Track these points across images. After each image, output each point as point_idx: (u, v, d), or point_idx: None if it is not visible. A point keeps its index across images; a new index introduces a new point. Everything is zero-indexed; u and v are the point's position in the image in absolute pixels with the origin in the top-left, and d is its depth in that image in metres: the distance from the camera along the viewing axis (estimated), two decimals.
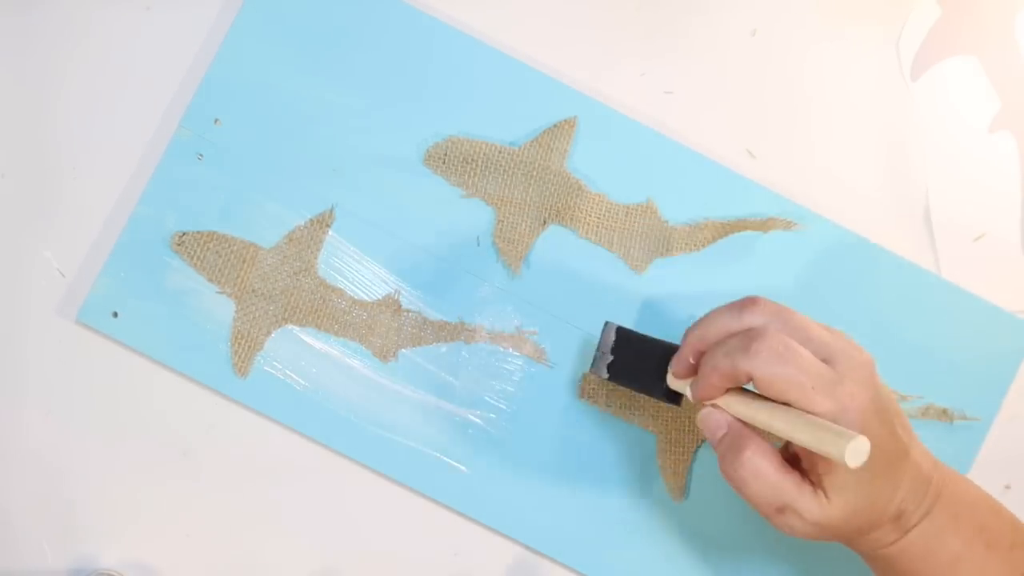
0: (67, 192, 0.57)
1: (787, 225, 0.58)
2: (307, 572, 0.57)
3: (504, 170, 0.57)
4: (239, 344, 0.56)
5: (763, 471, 0.44)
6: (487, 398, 0.57)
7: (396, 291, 0.57)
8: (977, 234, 0.60)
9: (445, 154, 0.57)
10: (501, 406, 0.57)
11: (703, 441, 0.57)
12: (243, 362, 0.56)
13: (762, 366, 0.43)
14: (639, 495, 0.57)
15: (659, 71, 0.59)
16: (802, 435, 0.42)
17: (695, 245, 0.58)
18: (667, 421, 0.57)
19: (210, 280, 0.56)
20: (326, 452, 0.57)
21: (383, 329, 0.57)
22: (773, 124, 0.59)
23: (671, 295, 0.58)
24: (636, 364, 0.52)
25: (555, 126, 0.58)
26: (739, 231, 0.58)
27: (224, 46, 0.57)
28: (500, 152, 0.57)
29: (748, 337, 0.44)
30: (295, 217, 0.57)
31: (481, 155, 0.57)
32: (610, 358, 0.53)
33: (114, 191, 0.57)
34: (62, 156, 0.58)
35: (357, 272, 0.57)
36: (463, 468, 0.57)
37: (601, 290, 0.57)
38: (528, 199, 0.57)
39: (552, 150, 0.57)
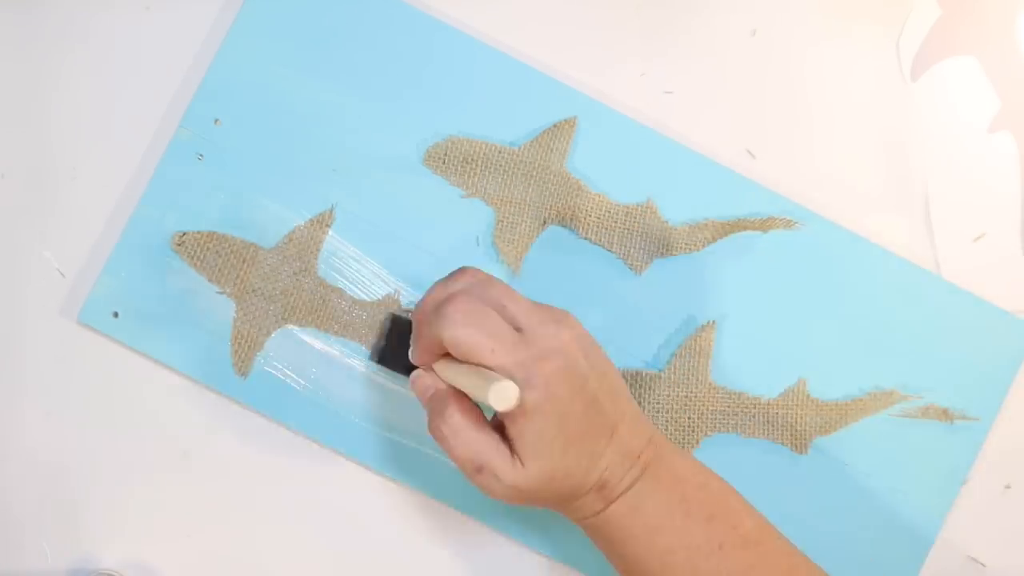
0: (67, 192, 0.57)
1: (787, 224, 0.58)
2: (307, 572, 0.57)
3: (504, 170, 0.57)
4: (239, 344, 0.56)
5: (462, 429, 0.46)
6: None
7: (396, 291, 0.57)
8: (977, 234, 0.60)
9: (445, 154, 0.57)
10: None
11: (705, 436, 0.57)
12: (243, 362, 0.56)
13: (448, 328, 0.45)
14: None
15: (659, 71, 0.59)
16: (464, 381, 0.45)
17: (695, 245, 0.58)
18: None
19: (210, 280, 0.56)
20: (326, 452, 0.57)
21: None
22: (773, 124, 0.59)
23: (671, 295, 0.58)
24: (399, 347, 0.53)
25: (555, 126, 0.58)
26: (739, 231, 0.58)
27: (224, 46, 0.57)
28: (500, 152, 0.57)
29: (443, 303, 0.46)
30: (295, 217, 0.57)
31: (481, 155, 0.57)
32: (382, 343, 0.55)
33: (114, 191, 0.57)
34: (62, 156, 0.58)
35: (357, 272, 0.57)
36: None
37: (601, 290, 0.57)
38: (528, 199, 0.57)
39: (552, 150, 0.57)
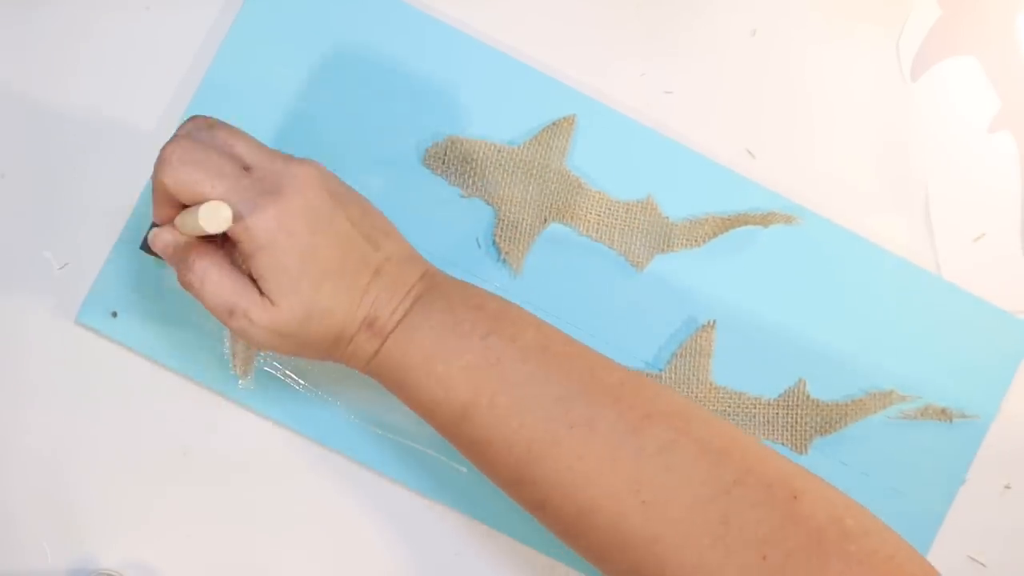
0: (67, 192, 0.57)
1: (788, 219, 0.58)
2: (307, 572, 0.57)
3: (504, 169, 0.57)
4: (239, 344, 0.56)
5: (208, 274, 0.45)
6: None
7: None
8: (977, 234, 0.60)
9: (444, 154, 0.57)
10: None
11: None
12: (243, 363, 0.56)
13: (167, 172, 0.44)
14: None
15: (659, 71, 0.59)
16: (187, 220, 0.44)
17: (695, 241, 0.58)
18: None
19: None
20: (326, 452, 0.57)
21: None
22: (773, 124, 0.59)
23: (672, 292, 0.58)
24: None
25: (554, 124, 0.58)
26: (740, 226, 0.58)
27: (224, 46, 0.57)
28: (499, 151, 0.57)
29: (161, 148, 0.45)
30: None
31: (480, 154, 0.57)
32: (147, 230, 0.51)
33: (114, 191, 0.57)
34: (62, 156, 0.58)
35: None
36: (463, 468, 0.57)
37: (602, 288, 0.57)
38: (528, 198, 0.57)
39: (551, 148, 0.57)
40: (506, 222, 0.57)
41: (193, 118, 0.48)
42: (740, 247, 0.58)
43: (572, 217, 0.57)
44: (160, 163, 0.45)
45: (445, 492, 0.57)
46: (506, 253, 0.57)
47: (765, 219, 0.58)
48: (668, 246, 0.58)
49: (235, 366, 0.56)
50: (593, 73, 0.59)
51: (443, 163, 0.57)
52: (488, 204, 0.57)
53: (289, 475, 0.57)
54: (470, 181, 0.57)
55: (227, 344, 0.56)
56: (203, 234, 0.45)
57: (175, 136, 0.46)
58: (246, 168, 0.46)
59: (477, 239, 0.57)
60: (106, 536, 0.57)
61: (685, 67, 0.59)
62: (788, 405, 0.57)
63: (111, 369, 0.56)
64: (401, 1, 0.58)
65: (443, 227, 0.57)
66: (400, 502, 0.57)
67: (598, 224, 0.57)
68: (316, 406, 0.57)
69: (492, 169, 0.57)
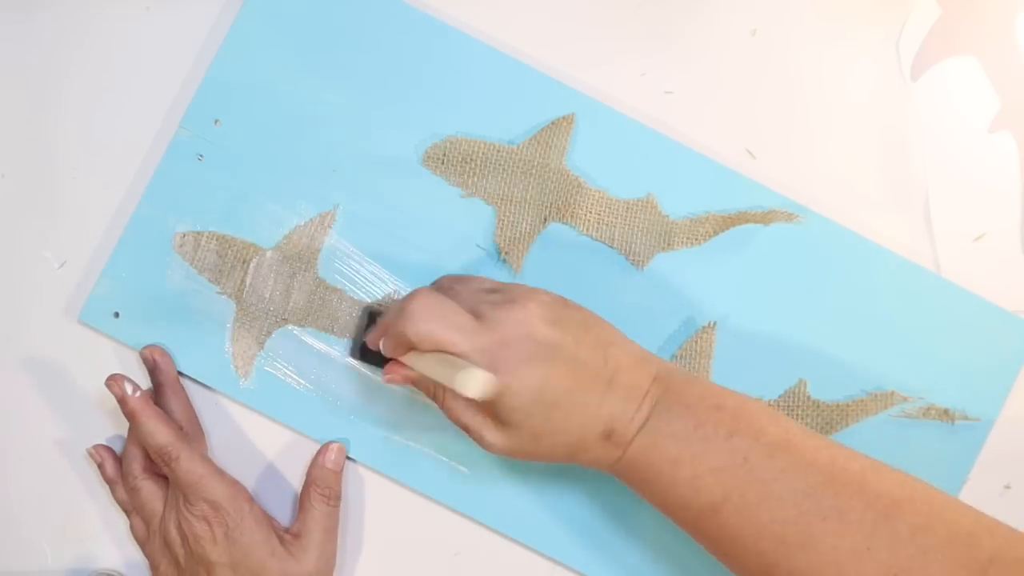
0: (67, 192, 0.58)
1: (788, 217, 0.58)
2: None
3: (503, 169, 0.57)
4: (239, 344, 0.56)
5: (446, 397, 0.50)
6: None
7: (396, 291, 0.57)
8: (977, 234, 0.60)
9: (444, 154, 0.57)
10: None
11: None
12: (243, 363, 0.56)
13: (410, 324, 0.48)
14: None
15: (659, 71, 0.59)
16: (436, 371, 0.47)
17: (696, 239, 0.58)
18: None
19: (210, 280, 0.56)
20: None
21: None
22: (773, 124, 0.59)
23: (673, 289, 0.58)
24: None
25: (553, 123, 0.58)
26: (740, 224, 0.58)
27: (224, 46, 0.57)
28: (499, 151, 0.57)
29: (405, 299, 0.49)
30: (295, 217, 0.57)
31: (480, 154, 0.57)
32: (360, 339, 0.55)
33: (115, 192, 0.57)
34: (62, 156, 0.58)
35: (357, 272, 0.57)
36: (463, 468, 0.57)
37: (603, 286, 0.57)
38: (528, 197, 0.57)
39: (551, 147, 0.57)
40: (506, 222, 0.57)
41: (443, 278, 0.54)
42: (741, 247, 0.58)
43: (572, 216, 0.57)
44: (404, 315, 0.48)
45: (445, 492, 0.57)
46: (506, 253, 0.57)
47: (766, 217, 0.58)
48: (668, 245, 0.58)
49: (236, 366, 0.57)
50: (593, 73, 0.59)
51: (443, 163, 0.57)
52: (488, 204, 0.57)
53: (289, 475, 0.57)
54: (470, 181, 0.57)
55: (228, 344, 0.56)
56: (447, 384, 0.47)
57: (419, 289, 0.50)
58: (477, 316, 0.49)
59: (477, 245, 0.57)
60: (106, 536, 0.57)
61: (685, 67, 0.59)
62: (789, 406, 0.57)
63: (112, 369, 0.56)
64: (401, 1, 0.58)
65: (443, 227, 0.57)
66: (400, 502, 0.57)
67: (598, 223, 0.57)
68: (316, 406, 0.57)
69: (492, 169, 0.57)
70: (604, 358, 0.49)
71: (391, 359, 0.51)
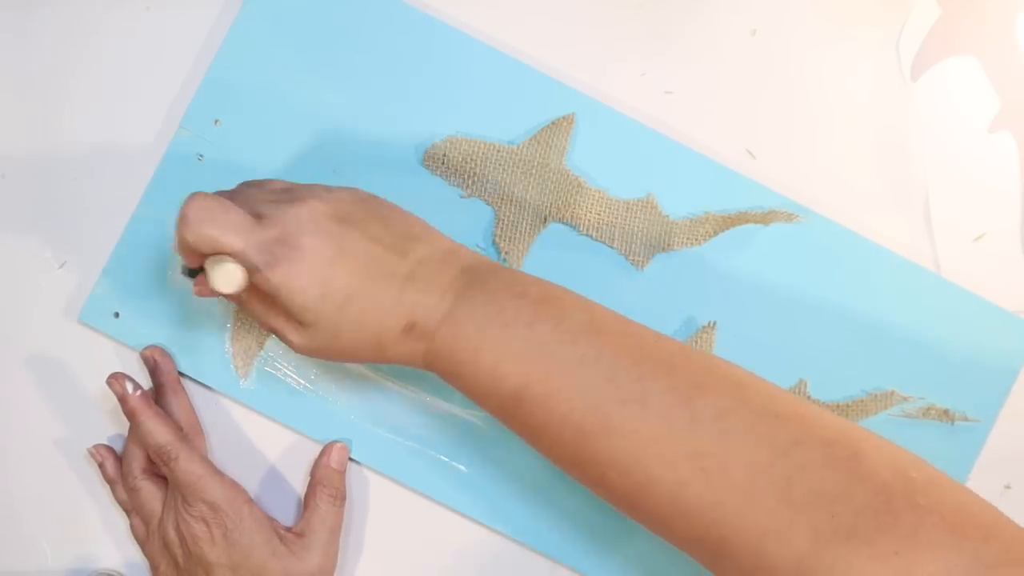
0: (67, 192, 0.58)
1: (788, 217, 0.58)
2: None
3: (503, 169, 0.57)
4: (239, 344, 0.56)
5: (247, 300, 0.49)
6: None
7: None
8: (977, 234, 0.60)
9: (444, 154, 0.57)
10: None
11: None
12: (243, 363, 0.56)
13: (187, 229, 0.46)
14: None
15: (659, 71, 0.59)
16: (209, 272, 0.47)
17: (696, 239, 0.58)
18: None
19: None
20: None
21: None
22: (773, 124, 0.59)
23: (672, 290, 0.58)
24: None
25: (553, 123, 0.58)
26: (740, 224, 0.58)
27: (224, 46, 0.57)
28: (499, 151, 0.57)
29: (182, 204, 0.47)
30: None
31: (480, 154, 0.57)
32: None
33: (115, 192, 0.57)
34: (63, 157, 0.58)
35: None
36: (463, 468, 0.57)
37: (603, 286, 0.57)
38: (528, 197, 0.57)
39: (551, 147, 0.57)
40: (506, 222, 0.57)
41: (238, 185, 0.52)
42: (741, 246, 0.58)
43: (572, 216, 0.57)
44: (181, 221, 0.47)
45: (445, 492, 0.57)
46: (506, 253, 0.57)
47: (766, 217, 0.58)
48: (668, 245, 0.58)
49: (236, 366, 0.57)
50: (593, 73, 0.59)
51: (443, 163, 0.57)
52: (488, 204, 0.57)
53: (289, 475, 0.57)
54: (470, 181, 0.57)
55: (228, 344, 0.56)
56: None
57: (193, 195, 0.48)
58: (258, 216, 0.47)
59: (477, 245, 0.57)
60: (106, 536, 0.57)
61: (685, 67, 0.59)
62: None
63: (112, 369, 0.56)
64: (401, 1, 0.58)
65: (443, 227, 0.57)
66: (400, 502, 0.57)
67: (598, 223, 0.57)
68: (316, 406, 0.57)
69: (492, 169, 0.57)
70: (403, 251, 0.48)
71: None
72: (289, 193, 0.49)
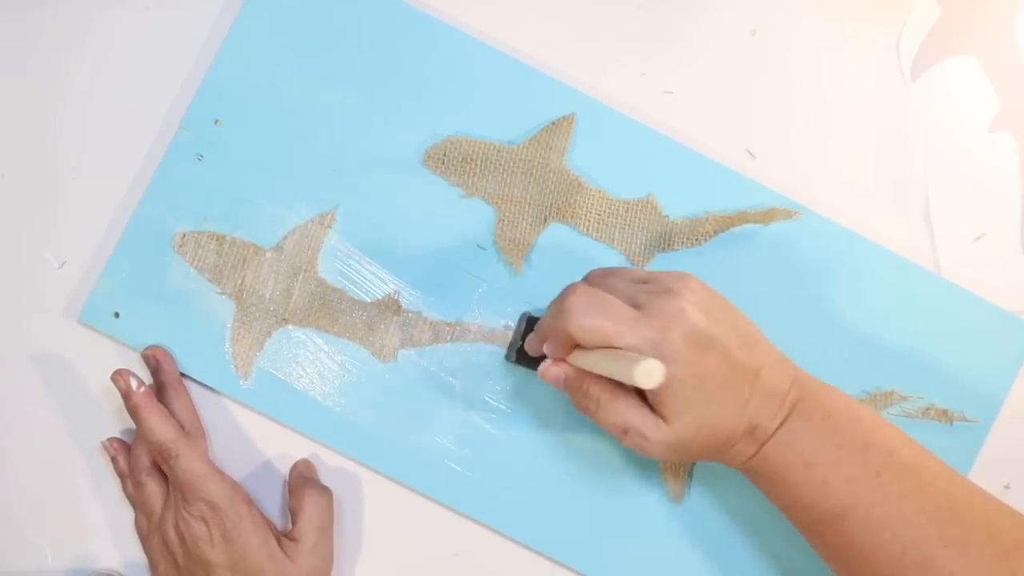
0: (67, 193, 0.58)
1: (788, 215, 0.58)
2: None
3: (503, 169, 0.57)
4: (239, 344, 0.56)
5: (603, 399, 0.49)
6: (487, 398, 0.57)
7: (396, 291, 0.57)
8: (977, 234, 0.60)
9: (444, 154, 0.57)
10: (501, 406, 0.57)
11: None
12: (243, 363, 0.56)
13: (572, 320, 0.48)
14: (639, 495, 0.57)
15: (659, 71, 0.59)
16: (606, 366, 0.47)
17: (696, 239, 0.58)
18: None
19: (210, 280, 0.56)
20: (326, 452, 0.57)
21: (383, 329, 0.57)
22: (773, 124, 0.59)
23: None
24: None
25: (553, 123, 0.58)
26: (740, 224, 0.58)
27: (224, 46, 0.57)
28: (499, 151, 0.57)
29: (562, 297, 0.49)
30: (295, 217, 0.57)
31: (480, 154, 0.57)
32: (519, 343, 0.55)
33: (115, 192, 0.57)
34: (62, 156, 0.58)
35: (357, 272, 0.57)
36: (463, 469, 0.57)
37: None
38: (528, 197, 0.57)
39: (551, 147, 0.57)
40: (506, 222, 0.57)
41: (592, 272, 0.53)
42: (740, 247, 0.58)
43: (572, 216, 0.57)
44: (564, 313, 0.48)
45: (445, 492, 0.57)
46: (506, 253, 0.57)
47: (765, 216, 0.58)
48: (668, 245, 0.58)
49: (236, 366, 0.57)
50: (593, 73, 0.59)
51: (443, 163, 0.57)
52: (488, 204, 0.57)
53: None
54: (470, 181, 0.57)
55: (228, 344, 0.57)
56: (617, 379, 0.47)
57: (573, 285, 0.50)
58: (636, 306, 0.48)
59: (477, 245, 0.57)
60: (106, 536, 0.57)
61: (685, 67, 0.59)
62: None
63: (111, 369, 0.56)
64: (401, 1, 0.58)
65: (443, 227, 0.57)
66: (400, 502, 0.57)
67: (598, 223, 0.57)
68: (316, 406, 0.57)
69: (492, 169, 0.57)
70: (749, 353, 0.49)
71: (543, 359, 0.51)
72: (657, 284, 0.50)
